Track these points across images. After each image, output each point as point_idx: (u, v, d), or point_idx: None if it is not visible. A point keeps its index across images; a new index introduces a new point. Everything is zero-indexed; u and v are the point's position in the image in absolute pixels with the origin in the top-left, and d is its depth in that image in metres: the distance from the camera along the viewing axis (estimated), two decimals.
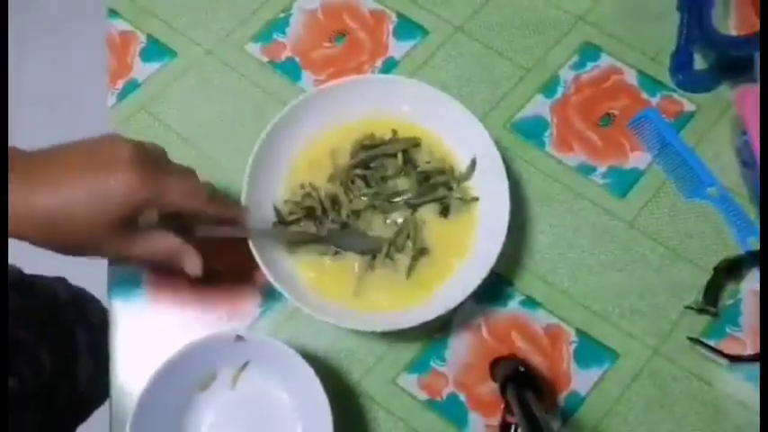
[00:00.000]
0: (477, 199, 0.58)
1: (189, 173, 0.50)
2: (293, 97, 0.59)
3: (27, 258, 0.63)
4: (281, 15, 0.69)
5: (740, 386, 0.55)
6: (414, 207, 0.58)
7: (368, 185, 0.58)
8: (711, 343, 0.55)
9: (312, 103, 0.58)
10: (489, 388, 0.55)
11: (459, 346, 0.56)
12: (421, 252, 0.56)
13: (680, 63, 0.65)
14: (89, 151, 0.45)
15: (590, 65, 0.66)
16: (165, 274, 0.58)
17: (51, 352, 0.67)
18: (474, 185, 0.58)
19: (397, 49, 0.67)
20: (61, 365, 0.69)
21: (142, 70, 0.67)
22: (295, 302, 0.52)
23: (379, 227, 0.57)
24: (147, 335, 0.57)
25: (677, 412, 0.54)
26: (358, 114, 0.60)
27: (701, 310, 0.57)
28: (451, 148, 0.59)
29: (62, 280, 0.79)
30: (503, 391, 0.51)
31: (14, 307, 0.66)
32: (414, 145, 0.59)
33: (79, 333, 0.73)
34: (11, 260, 0.69)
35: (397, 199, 0.58)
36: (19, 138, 0.49)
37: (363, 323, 0.53)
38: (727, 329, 0.57)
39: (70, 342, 0.72)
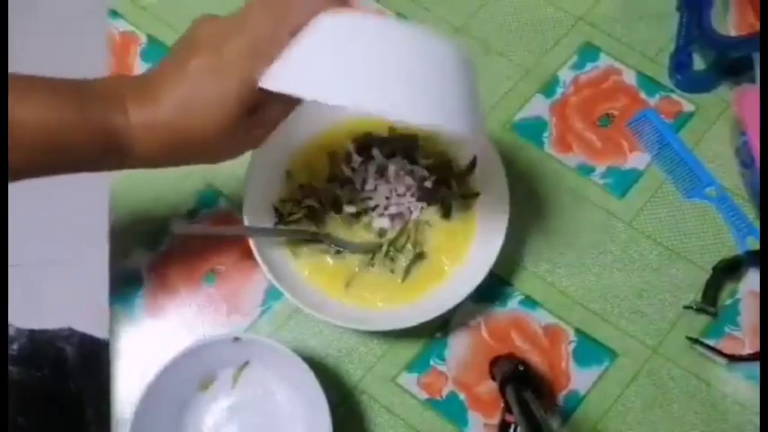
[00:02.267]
0: (477, 194, 0.58)
1: None
2: None
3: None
4: None
5: (739, 385, 0.55)
6: (414, 207, 0.58)
7: (367, 184, 0.58)
8: (710, 342, 0.56)
9: (312, 102, 0.58)
10: (489, 387, 0.55)
11: (459, 346, 0.57)
12: (419, 256, 0.56)
13: (679, 63, 0.65)
14: (187, 45, 0.42)
15: (589, 65, 0.66)
16: (166, 275, 0.58)
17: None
18: (474, 185, 0.58)
19: None
20: None
21: (143, 71, 0.67)
22: (295, 302, 0.52)
23: (379, 226, 0.57)
24: (148, 336, 0.57)
25: (676, 412, 0.55)
26: (357, 114, 0.60)
27: (699, 310, 0.57)
28: (451, 148, 0.59)
29: (69, 333, 0.75)
30: (502, 390, 0.51)
31: (20, 386, 0.63)
32: (412, 142, 0.59)
33: (87, 400, 0.70)
34: (20, 321, 0.67)
35: (397, 197, 0.58)
36: None
37: (363, 322, 0.54)
38: (726, 329, 0.57)
39: (78, 413, 0.69)
